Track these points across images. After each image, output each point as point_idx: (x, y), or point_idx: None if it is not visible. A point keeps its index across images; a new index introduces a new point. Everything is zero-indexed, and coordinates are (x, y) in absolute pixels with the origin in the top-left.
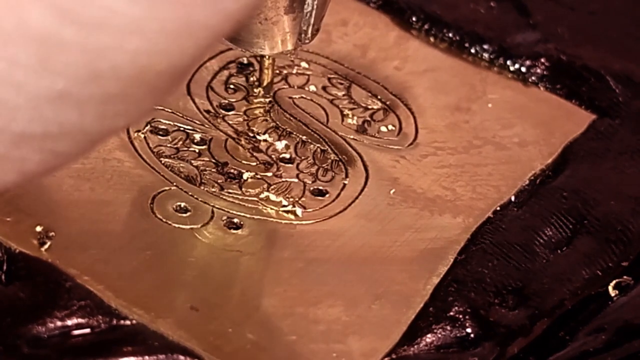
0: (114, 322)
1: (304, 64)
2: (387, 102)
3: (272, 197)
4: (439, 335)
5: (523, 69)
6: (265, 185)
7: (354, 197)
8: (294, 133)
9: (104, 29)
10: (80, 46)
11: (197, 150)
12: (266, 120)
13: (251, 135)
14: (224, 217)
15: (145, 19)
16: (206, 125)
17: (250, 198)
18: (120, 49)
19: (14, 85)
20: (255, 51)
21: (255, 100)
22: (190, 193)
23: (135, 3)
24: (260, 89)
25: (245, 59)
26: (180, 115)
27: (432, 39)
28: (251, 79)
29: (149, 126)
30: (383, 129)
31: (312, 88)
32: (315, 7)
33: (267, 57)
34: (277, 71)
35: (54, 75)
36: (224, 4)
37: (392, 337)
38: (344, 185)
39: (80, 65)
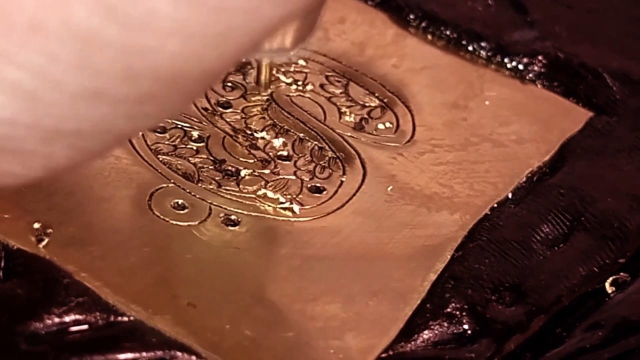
0: (112, 318)
1: (301, 62)
2: (385, 100)
3: (270, 194)
4: (436, 332)
5: (520, 67)
6: (263, 183)
7: (351, 194)
8: (292, 130)
9: (145, 29)
10: (121, 45)
11: (194, 148)
12: (264, 117)
13: (249, 132)
14: (222, 214)
15: (187, 22)
16: (204, 123)
17: (247, 195)
18: (159, 50)
19: (51, 82)
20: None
21: (253, 98)
22: (187, 190)
23: (179, 6)
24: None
25: None
26: (178, 112)
27: (429, 37)
28: (248, 77)
29: None
30: (380, 126)
31: (310, 86)
32: None
33: (264, 58)
34: (274, 69)
35: (91, 73)
36: (263, 10)
37: (390, 333)
38: (342, 182)
39: (118, 64)
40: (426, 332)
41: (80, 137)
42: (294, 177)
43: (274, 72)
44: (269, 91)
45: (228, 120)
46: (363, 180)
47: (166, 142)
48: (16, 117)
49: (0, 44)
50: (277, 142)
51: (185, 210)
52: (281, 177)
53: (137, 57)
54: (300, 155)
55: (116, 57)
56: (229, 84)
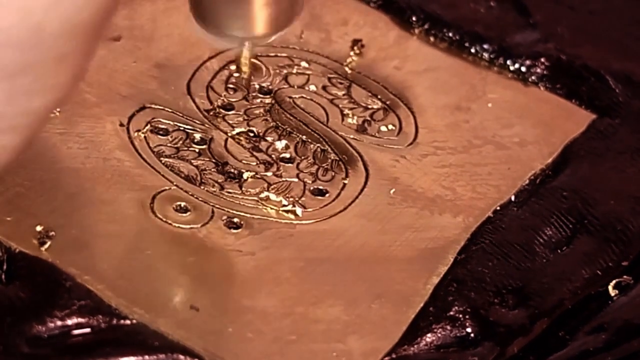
0: (114, 321)
1: (304, 64)
2: (387, 102)
3: (272, 196)
4: (439, 335)
5: (523, 69)
6: (265, 185)
7: (354, 197)
8: (294, 132)
9: None
10: None
11: (197, 150)
12: (266, 119)
13: (251, 134)
14: (224, 217)
15: None
16: (206, 125)
17: (250, 198)
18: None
19: None
20: (231, 35)
21: (256, 100)
22: (190, 193)
23: None
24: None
25: None
26: (181, 115)
27: (432, 39)
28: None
29: (149, 126)
30: (383, 128)
31: (312, 87)
32: None
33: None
34: (277, 70)
35: None
36: None
37: (392, 336)
38: (344, 184)
39: None
40: (429, 335)
41: None
42: (296, 180)
43: (255, 61)
44: (272, 93)
45: (230, 122)
46: (366, 183)
47: (168, 145)
48: None
49: None
50: (280, 145)
51: (188, 213)
52: (284, 179)
53: None
54: (302, 157)
55: None
56: (232, 86)
